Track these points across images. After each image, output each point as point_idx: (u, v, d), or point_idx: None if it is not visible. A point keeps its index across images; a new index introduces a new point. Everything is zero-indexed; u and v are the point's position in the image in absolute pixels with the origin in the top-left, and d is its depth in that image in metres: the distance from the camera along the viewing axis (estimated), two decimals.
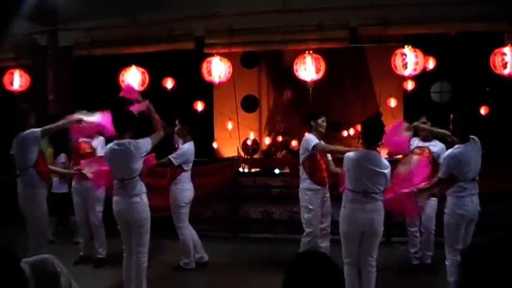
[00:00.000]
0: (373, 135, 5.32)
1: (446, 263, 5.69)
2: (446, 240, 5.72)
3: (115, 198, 5.85)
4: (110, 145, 5.82)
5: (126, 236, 5.89)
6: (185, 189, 7.04)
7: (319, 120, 6.67)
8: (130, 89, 6.75)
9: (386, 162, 5.32)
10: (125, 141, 5.66)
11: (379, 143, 5.46)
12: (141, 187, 5.78)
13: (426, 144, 6.67)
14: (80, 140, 7.30)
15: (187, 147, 7.00)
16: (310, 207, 6.60)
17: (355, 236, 5.35)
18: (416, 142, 6.72)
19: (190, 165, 7.10)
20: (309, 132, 6.73)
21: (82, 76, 10.39)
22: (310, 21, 8.91)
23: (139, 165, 5.74)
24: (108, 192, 6.66)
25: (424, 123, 6.52)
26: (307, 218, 6.63)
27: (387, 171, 5.26)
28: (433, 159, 6.38)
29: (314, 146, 6.46)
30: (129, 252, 5.90)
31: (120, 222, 5.86)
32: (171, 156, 6.89)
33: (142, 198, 5.77)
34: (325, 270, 2.32)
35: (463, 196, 5.54)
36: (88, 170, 6.75)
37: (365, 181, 5.21)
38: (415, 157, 6.14)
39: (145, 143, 5.71)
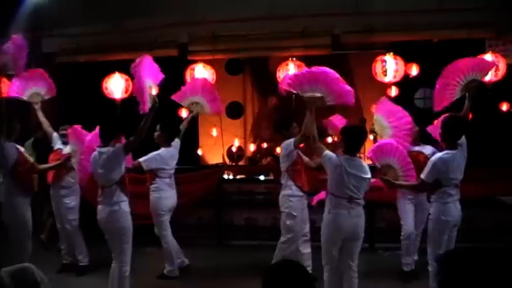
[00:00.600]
0: (355, 141, 5.37)
1: (429, 268, 5.72)
2: (429, 245, 5.75)
3: (98, 207, 5.88)
4: (94, 152, 5.85)
5: (110, 244, 5.91)
6: (163, 197, 7.02)
7: (291, 128, 6.75)
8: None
9: (368, 167, 5.38)
10: (105, 149, 5.71)
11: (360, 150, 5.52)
12: (120, 196, 5.77)
13: (417, 148, 6.71)
14: (57, 147, 7.25)
15: (160, 152, 6.95)
16: (294, 213, 6.65)
17: (337, 241, 5.38)
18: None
19: (169, 171, 7.06)
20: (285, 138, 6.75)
21: (66, 83, 10.32)
22: (293, 28, 8.97)
23: (116, 174, 5.74)
24: (91, 198, 6.62)
25: None
26: (290, 224, 6.67)
27: (370, 176, 5.32)
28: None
29: (294, 143, 6.48)
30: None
31: (103, 230, 5.89)
32: (141, 160, 6.84)
33: (121, 207, 5.76)
34: (299, 279, 2.36)
35: (447, 202, 5.59)
36: (74, 155, 6.73)
37: (351, 187, 5.26)
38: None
39: (118, 151, 5.68)
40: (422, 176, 5.61)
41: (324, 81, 5.60)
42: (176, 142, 7.20)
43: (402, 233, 6.86)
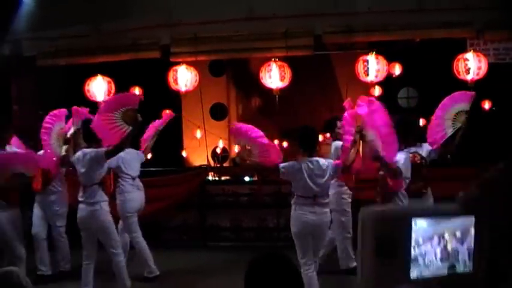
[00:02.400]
0: (310, 142, 5.55)
1: None
2: None
3: (79, 205, 6.03)
4: (78, 152, 6.03)
5: (87, 244, 6.08)
6: (128, 199, 6.95)
7: (336, 128, 6.82)
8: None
9: (324, 161, 5.51)
10: (89, 150, 5.91)
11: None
12: (101, 195, 5.98)
13: (413, 149, 6.09)
14: None
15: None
16: (347, 209, 6.87)
17: (306, 236, 5.51)
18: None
19: (131, 174, 6.98)
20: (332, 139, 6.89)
21: (47, 86, 10.25)
22: (275, 29, 8.95)
23: (98, 174, 5.96)
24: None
25: None
26: (345, 220, 6.83)
27: (329, 173, 5.47)
28: (424, 163, 6.09)
29: None
30: (90, 259, 6.09)
31: (82, 229, 6.05)
32: None
33: (102, 206, 5.97)
34: (284, 271, 2.32)
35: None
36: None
37: (314, 187, 5.42)
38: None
39: (99, 156, 5.87)
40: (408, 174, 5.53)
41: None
42: (141, 154, 7.26)
43: None
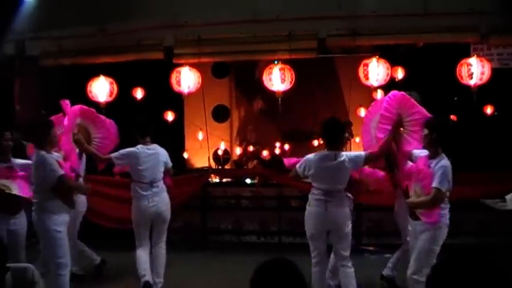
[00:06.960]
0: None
1: None
2: None
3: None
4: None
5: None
6: None
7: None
8: None
9: None
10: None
11: None
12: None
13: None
14: None
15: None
16: None
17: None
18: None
19: None
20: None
21: (49, 86, 10.24)
22: (279, 31, 8.94)
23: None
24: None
25: None
26: None
27: None
28: None
29: None
30: None
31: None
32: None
33: None
34: (289, 278, 2.30)
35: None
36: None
37: None
38: None
39: None
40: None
41: None
42: None
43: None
